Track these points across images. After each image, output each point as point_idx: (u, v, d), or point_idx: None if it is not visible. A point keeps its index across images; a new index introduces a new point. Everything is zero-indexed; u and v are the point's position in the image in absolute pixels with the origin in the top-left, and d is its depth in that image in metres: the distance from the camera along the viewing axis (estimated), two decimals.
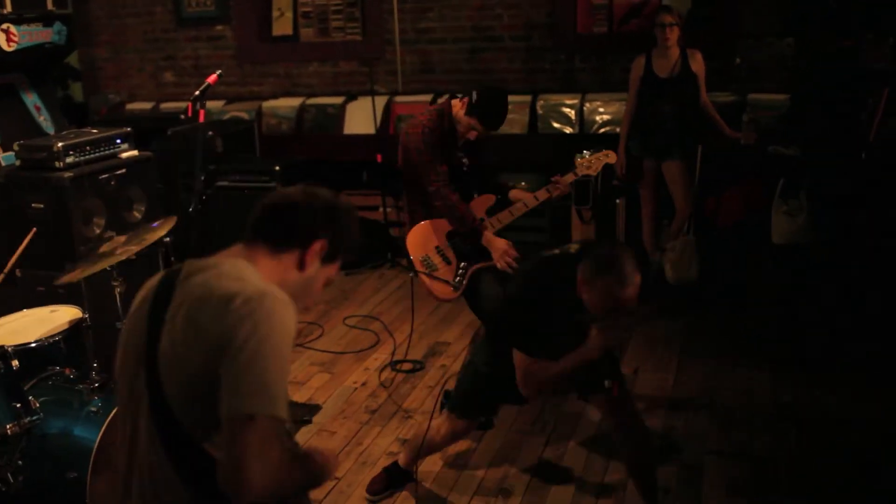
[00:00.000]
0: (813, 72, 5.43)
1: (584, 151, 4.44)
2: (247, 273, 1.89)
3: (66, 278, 3.63)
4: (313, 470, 1.95)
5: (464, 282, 4.26)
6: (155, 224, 3.90)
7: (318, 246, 1.98)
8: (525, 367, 3.10)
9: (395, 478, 3.78)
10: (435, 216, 4.33)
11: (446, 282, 4.25)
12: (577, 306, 2.91)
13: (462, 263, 4.28)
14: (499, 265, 4.17)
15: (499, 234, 4.30)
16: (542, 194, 4.29)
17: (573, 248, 3.11)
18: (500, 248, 4.19)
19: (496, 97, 4.24)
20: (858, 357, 4.73)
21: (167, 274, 1.96)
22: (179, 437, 1.82)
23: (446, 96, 4.64)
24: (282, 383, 1.78)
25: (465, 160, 4.38)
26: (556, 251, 3.14)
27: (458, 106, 4.25)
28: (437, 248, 4.32)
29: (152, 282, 1.98)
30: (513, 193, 4.43)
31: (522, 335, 3.10)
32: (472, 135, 4.26)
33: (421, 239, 4.35)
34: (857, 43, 5.35)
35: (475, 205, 4.37)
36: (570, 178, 4.32)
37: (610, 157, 4.43)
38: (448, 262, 4.30)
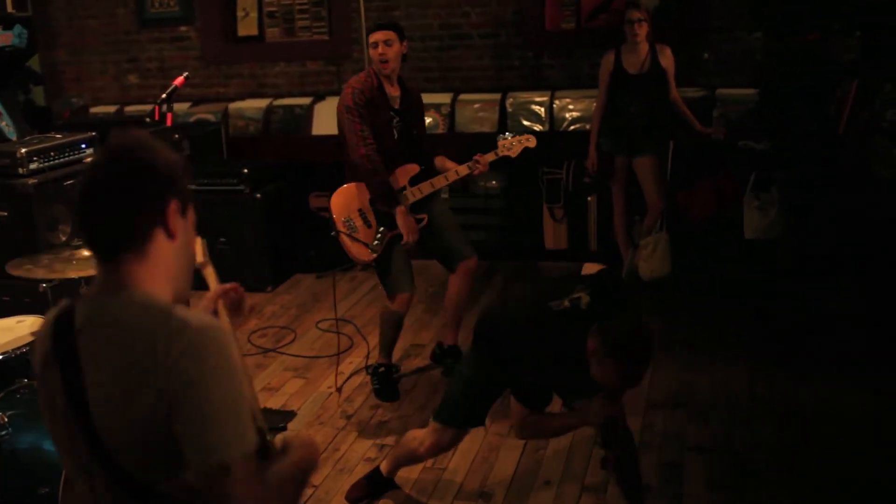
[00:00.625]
0: (781, 65, 5.44)
1: (507, 133, 4.75)
2: (141, 307, 1.66)
3: (23, 270, 3.55)
4: (301, 467, 1.83)
5: (381, 246, 4.44)
6: None
7: (172, 207, 1.72)
8: (522, 418, 3.11)
9: (375, 485, 3.73)
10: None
11: (365, 244, 4.45)
12: (584, 365, 2.85)
13: (381, 228, 4.46)
14: (406, 239, 4.41)
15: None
16: (464, 170, 4.52)
17: (584, 300, 2.93)
18: (410, 227, 4.41)
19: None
20: (833, 349, 4.75)
21: (57, 323, 1.73)
22: (140, 493, 1.67)
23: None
24: (242, 411, 1.63)
25: (396, 119, 4.54)
26: (566, 304, 2.96)
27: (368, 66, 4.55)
28: (359, 210, 4.50)
29: (45, 335, 1.74)
30: (437, 161, 4.63)
31: (526, 390, 3.08)
32: (374, 57, 4.45)
33: (345, 200, 4.51)
34: (824, 36, 5.37)
35: (399, 172, 4.54)
36: (490, 157, 4.56)
37: (531, 141, 4.65)
38: (368, 226, 4.48)
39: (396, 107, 4.54)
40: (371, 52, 4.48)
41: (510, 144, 4.60)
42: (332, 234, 4.50)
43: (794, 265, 5.40)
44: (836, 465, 3.76)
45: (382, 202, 4.44)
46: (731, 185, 5.72)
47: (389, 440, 4.16)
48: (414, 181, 4.54)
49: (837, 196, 5.23)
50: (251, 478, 1.60)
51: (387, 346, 4.67)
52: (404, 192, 4.48)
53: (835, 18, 5.33)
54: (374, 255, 4.45)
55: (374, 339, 5.23)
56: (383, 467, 3.71)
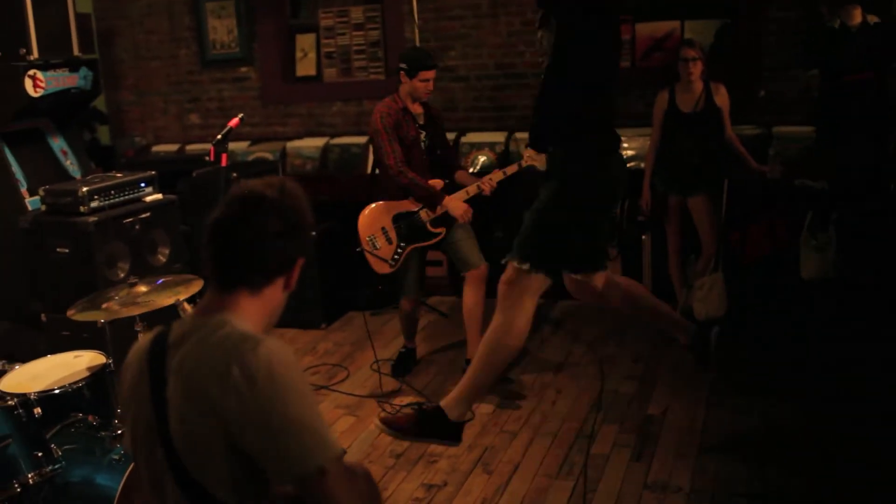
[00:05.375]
0: (837, 103, 5.37)
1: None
2: (227, 330, 1.81)
3: (85, 313, 3.63)
4: (376, 490, 2.00)
5: (400, 261, 5.04)
6: (160, 281, 3.87)
7: (299, 264, 1.96)
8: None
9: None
10: (399, 197, 5.07)
11: (384, 260, 5.01)
12: None
13: (401, 244, 5.04)
14: (462, 220, 5.01)
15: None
16: (473, 189, 5.04)
17: None
18: (461, 209, 4.97)
19: (411, 49, 5.38)
20: (891, 394, 4.62)
21: (154, 345, 1.88)
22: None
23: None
24: (321, 419, 1.78)
25: (423, 136, 5.10)
26: None
27: (405, 84, 4.98)
28: (383, 228, 5.06)
29: (140, 354, 1.90)
30: (458, 175, 5.19)
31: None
32: (421, 90, 4.96)
33: (370, 219, 5.09)
34: (881, 74, 5.29)
35: None
36: (498, 175, 5.09)
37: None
38: (390, 242, 5.05)
39: (422, 122, 5.12)
40: (419, 84, 4.95)
41: (536, 154, 4.84)
42: (357, 250, 5.03)
43: (852, 307, 5.28)
44: None
45: (429, 206, 5.02)
46: (787, 225, 5.64)
47: (437, 479, 4.15)
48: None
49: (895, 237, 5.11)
50: (348, 477, 1.77)
51: (406, 333, 5.45)
52: (423, 209, 5.05)
53: (891, 56, 5.25)
54: (393, 269, 5.05)
55: (421, 381, 5.26)
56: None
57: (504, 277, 3.68)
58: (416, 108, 5.10)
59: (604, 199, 3.73)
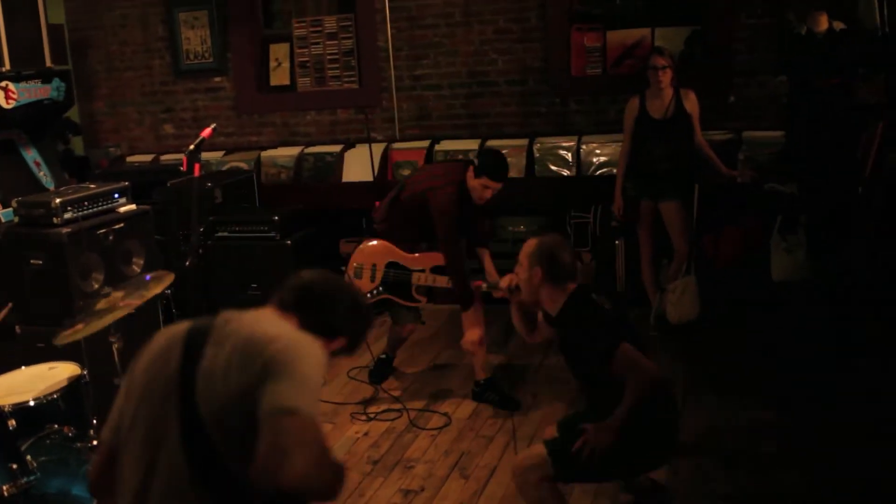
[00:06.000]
0: (806, 109, 5.44)
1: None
2: (284, 325, 2.15)
3: (68, 336, 3.62)
4: (338, 476, 2.00)
5: (370, 301, 4.80)
6: (148, 276, 3.90)
7: (339, 342, 2.29)
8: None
9: None
10: (407, 248, 5.02)
11: None
12: None
13: (379, 288, 5.00)
14: (464, 347, 4.97)
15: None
16: (498, 291, 4.47)
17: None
18: (473, 338, 4.89)
19: (494, 153, 5.13)
20: (865, 394, 4.69)
21: (199, 322, 2.12)
22: (209, 457, 1.94)
23: (460, 160, 5.56)
24: (316, 400, 1.99)
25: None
26: None
27: (469, 175, 4.81)
28: (373, 265, 5.05)
29: (179, 328, 2.12)
30: (481, 252, 5.12)
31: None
32: (488, 193, 4.79)
33: (368, 253, 5.08)
34: (849, 79, 5.37)
35: (428, 256, 5.02)
36: (505, 282, 4.20)
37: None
38: (372, 280, 5.03)
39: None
40: (482, 191, 4.79)
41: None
42: (341, 269, 5.10)
43: (822, 307, 5.35)
44: None
45: (461, 301, 4.87)
46: (757, 228, 5.71)
47: (415, 485, 4.17)
48: (436, 270, 4.98)
49: (864, 238, 5.19)
50: (313, 432, 1.86)
51: (391, 344, 5.45)
52: (423, 273, 4.98)
53: (859, 62, 5.33)
54: None
55: (397, 387, 5.27)
56: None
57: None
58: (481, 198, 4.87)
59: None
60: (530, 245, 3.58)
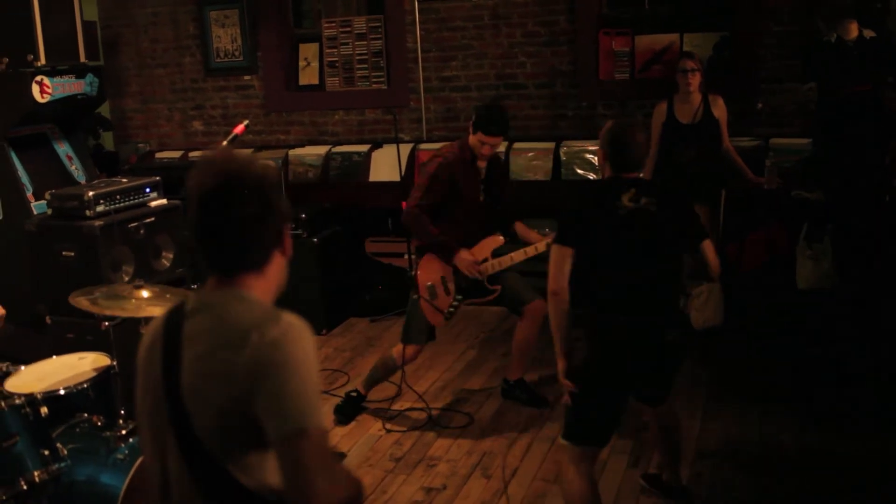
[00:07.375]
0: (834, 116, 5.43)
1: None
2: (247, 303, 1.90)
3: (80, 297, 3.68)
4: (356, 485, 1.97)
5: (454, 314, 4.80)
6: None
7: (287, 232, 1.98)
8: None
9: None
10: (461, 239, 4.75)
11: (440, 311, 4.75)
12: None
13: (458, 296, 4.78)
14: (468, 274, 4.72)
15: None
16: (542, 246, 4.60)
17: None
18: (466, 261, 4.69)
19: (488, 107, 4.87)
20: (889, 401, 4.67)
21: (171, 313, 1.98)
22: (210, 468, 1.86)
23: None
24: (318, 393, 1.85)
25: (482, 188, 4.84)
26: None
27: (470, 134, 4.73)
28: (442, 278, 4.77)
29: (157, 322, 2.00)
30: (519, 228, 4.94)
31: None
32: (486, 149, 4.69)
33: (431, 268, 4.78)
34: (878, 87, 5.35)
35: (484, 244, 4.82)
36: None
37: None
38: (447, 293, 4.78)
39: (483, 177, 4.85)
40: (480, 148, 4.71)
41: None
42: (414, 297, 4.75)
43: (848, 316, 5.33)
44: None
45: (443, 258, 4.73)
46: (783, 235, 5.69)
47: (437, 483, 4.20)
48: (497, 253, 4.80)
49: (891, 246, 5.17)
50: (326, 450, 1.80)
51: (372, 382, 5.02)
52: (487, 262, 4.76)
53: (889, 70, 5.32)
54: (447, 322, 4.87)
55: (421, 386, 5.30)
56: None
57: None
58: (482, 163, 4.82)
59: None
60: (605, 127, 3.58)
